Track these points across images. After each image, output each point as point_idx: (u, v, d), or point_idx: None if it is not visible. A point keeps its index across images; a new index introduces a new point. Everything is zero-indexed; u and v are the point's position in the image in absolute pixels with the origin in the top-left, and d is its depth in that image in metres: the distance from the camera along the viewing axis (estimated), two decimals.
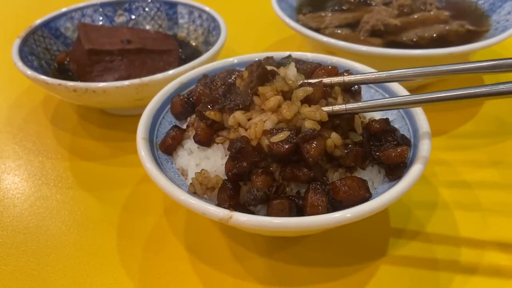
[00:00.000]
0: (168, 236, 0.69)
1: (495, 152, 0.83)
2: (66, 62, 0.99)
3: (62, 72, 0.97)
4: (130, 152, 0.86)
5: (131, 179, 0.80)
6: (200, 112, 0.61)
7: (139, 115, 0.69)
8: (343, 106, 0.57)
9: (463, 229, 0.69)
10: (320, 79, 0.61)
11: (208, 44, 1.02)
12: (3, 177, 0.82)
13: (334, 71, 0.65)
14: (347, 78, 0.63)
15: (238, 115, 0.56)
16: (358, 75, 0.64)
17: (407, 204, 0.74)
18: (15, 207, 0.75)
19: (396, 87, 0.71)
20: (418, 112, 0.65)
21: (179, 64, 0.96)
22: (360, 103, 0.59)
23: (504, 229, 0.69)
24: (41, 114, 0.97)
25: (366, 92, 0.73)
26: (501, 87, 0.52)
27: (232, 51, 1.10)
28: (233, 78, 0.65)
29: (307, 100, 0.57)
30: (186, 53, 1.04)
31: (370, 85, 0.74)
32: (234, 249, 0.67)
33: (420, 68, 0.59)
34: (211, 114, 0.59)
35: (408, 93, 0.69)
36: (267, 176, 0.52)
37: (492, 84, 0.54)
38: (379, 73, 0.63)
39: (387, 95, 0.71)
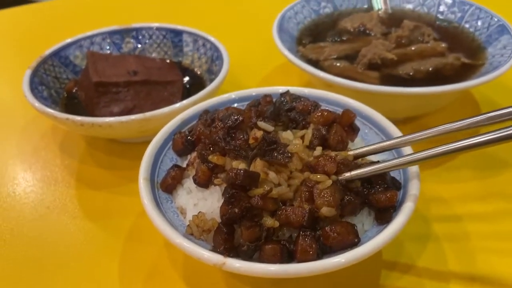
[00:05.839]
0: (167, 269, 0.72)
1: (488, 186, 0.85)
2: (74, 90, 1.03)
3: (71, 100, 1.01)
4: (135, 181, 0.88)
5: (135, 208, 0.83)
6: (203, 155, 0.64)
7: (145, 142, 0.74)
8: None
9: (453, 264, 0.71)
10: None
11: (211, 73, 1.05)
12: (13, 203, 0.86)
13: (331, 116, 0.67)
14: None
15: (242, 166, 0.60)
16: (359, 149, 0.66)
17: (399, 236, 0.76)
18: (24, 236, 0.79)
19: (392, 128, 0.73)
20: (408, 152, 0.67)
21: (183, 93, 1.00)
22: (360, 170, 0.61)
23: (494, 265, 0.71)
24: (50, 141, 1.01)
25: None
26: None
27: (234, 77, 1.13)
28: (233, 119, 0.67)
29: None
30: (191, 81, 1.07)
31: (365, 122, 0.77)
32: (231, 284, 0.69)
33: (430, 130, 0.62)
34: (214, 159, 0.62)
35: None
36: (255, 229, 0.55)
37: (494, 131, 0.54)
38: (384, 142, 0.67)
39: (383, 136, 0.74)
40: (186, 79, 1.08)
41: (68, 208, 0.84)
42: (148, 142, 0.75)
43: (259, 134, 0.61)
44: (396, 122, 0.75)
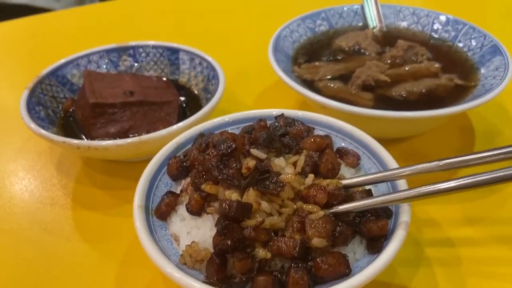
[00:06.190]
0: None
1: (479, 208, 0.85)
2: (71, 110, 1.03)
3: (68, 119, 1.01)
4: (131, 202, 0.88)
5: (131, 230, 0.82)
6: (196, 183, 0.64)
7: (142, 162, 0.75)
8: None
9: None
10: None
11: (208, 92, 1.06)
12: (10, 224, 0.86)
13: (323, 142, 0.68)
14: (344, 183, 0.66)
15: (235, 196, 0.60)
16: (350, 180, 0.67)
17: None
18: (20, 259, 0.80)
19: (385, 155, 0.74)
20: (402, 184, 0.68)
21: (179, 112, 1.01)
22: (352, 204, 0.62)
23: None
24: (47, 160, 1.02)
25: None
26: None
27: (232, 94, 1.14)
28: (227, 146, 0.67)
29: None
30: (187, 99, 1.08)
31: (358, 146, 0.78)
32: None
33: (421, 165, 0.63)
34: (207, 188, 0.63)
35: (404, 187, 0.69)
36: (247, 261, 0.56)
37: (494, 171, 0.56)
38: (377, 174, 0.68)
39: (375, 161, 0.75)
40: (183, 98, 1.08)
41: (64, 230, 0.85)
42: (145, 161, 0.76)
43: (251, 164, 0.62)
44: (389, 142, 0.76)
